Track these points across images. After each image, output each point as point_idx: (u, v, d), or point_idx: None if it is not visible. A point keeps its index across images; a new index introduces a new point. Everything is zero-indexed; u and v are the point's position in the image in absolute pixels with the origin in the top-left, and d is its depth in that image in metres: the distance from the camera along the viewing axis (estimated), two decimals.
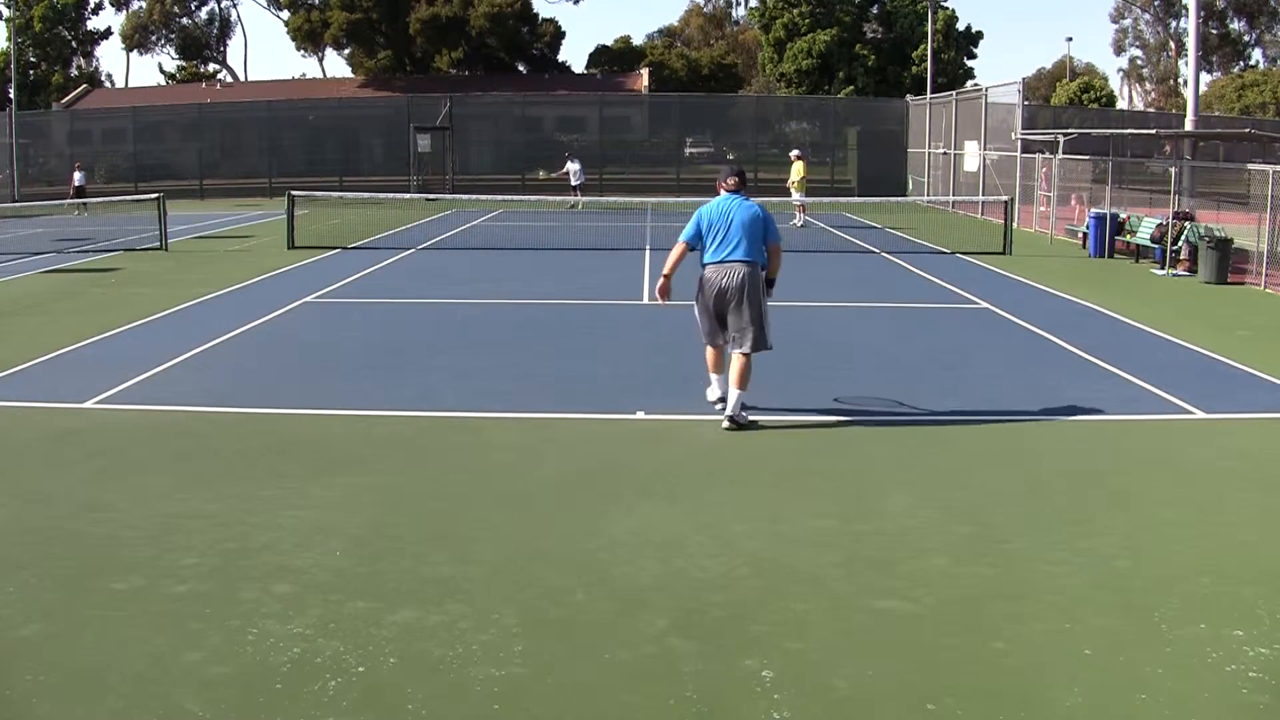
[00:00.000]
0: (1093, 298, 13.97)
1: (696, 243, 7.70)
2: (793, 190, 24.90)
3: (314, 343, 11.09)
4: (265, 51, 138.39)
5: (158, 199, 21.49)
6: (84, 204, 30.24)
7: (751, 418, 7.65)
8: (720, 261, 7.52)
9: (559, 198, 29.68)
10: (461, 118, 39.72)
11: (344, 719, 3.85)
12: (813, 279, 16.07)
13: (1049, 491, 6.37)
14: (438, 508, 6.13)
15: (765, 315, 7.58)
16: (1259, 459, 7.10)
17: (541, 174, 31.11)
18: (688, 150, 42.37)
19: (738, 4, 77.14)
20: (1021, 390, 9.00)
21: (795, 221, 24.36)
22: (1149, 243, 17.90)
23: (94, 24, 64.91)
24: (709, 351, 7.89)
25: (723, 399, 7.72)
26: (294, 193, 21.57)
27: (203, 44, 69.27)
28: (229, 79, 67.05)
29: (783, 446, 7.37)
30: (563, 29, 60.12)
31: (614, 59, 59.47)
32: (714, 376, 7.92)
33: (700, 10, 79.58)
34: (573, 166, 31.35)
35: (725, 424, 7.53)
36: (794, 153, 26.42)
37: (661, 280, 7.88)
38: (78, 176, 32.14)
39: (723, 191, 7.77)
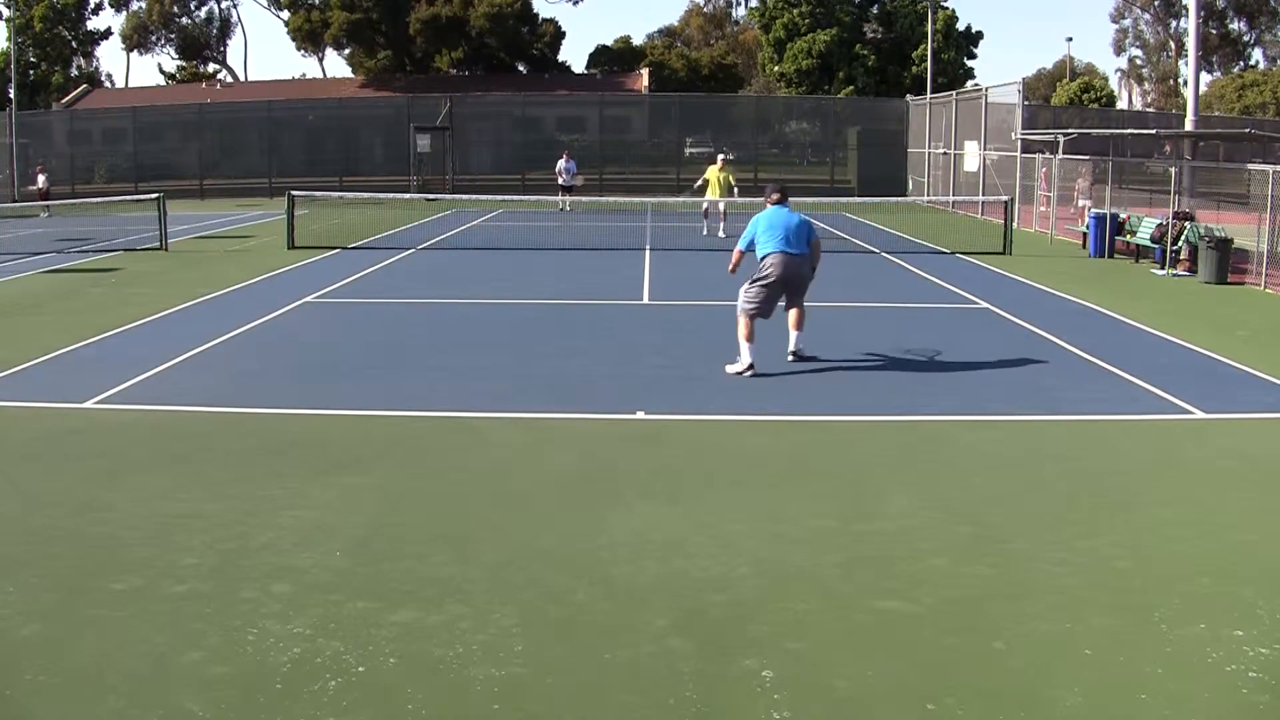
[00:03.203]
0: (1093, 298, 13.98)
1: (750, 247, 9.85)
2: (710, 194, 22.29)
3: (314, 343, 11.09)
4: (265, 51, 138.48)
5: (158, 199, 21.48)
6: (48, 205, 30.30)
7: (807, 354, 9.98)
8: (783, 252, 9.62)
9: (561, 198, 29.56)
10: (461, 118, 39.73)
11: (344, 719, 3.86)
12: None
13: (1049, 491, 6.37)
14: (438, 508, 6.13)
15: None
16: (1259, 459, 7.10)
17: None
18: (688, 150, 42.31)
19: (738, 4, 77.17)
20: (1021, 390, 9.00)
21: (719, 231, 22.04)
22: (1149, 243, 17.90)
23: (94, 24, 65.02)
24: (748, 324, 9.54)
25: (751, 366, 9.45)
26: (294, 193, 21.57)
27: (203, 44, 69.25)
28: (229, 79, 67.05)
29: (783, 446, 7.38)
30: (563, 29, 60.04)
31: (614, 59, 59.43)
32: (747, 345, 9.48)
33: (700, 10, 79.57)
34: (562, 164, 30.00)
35: (790, 358, 9.84)
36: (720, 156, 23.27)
37: (731, 269, 10.32)
38: (41, 178, 32.38)
39: (769, 205, 9.88)
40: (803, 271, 9.79)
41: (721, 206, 22.22)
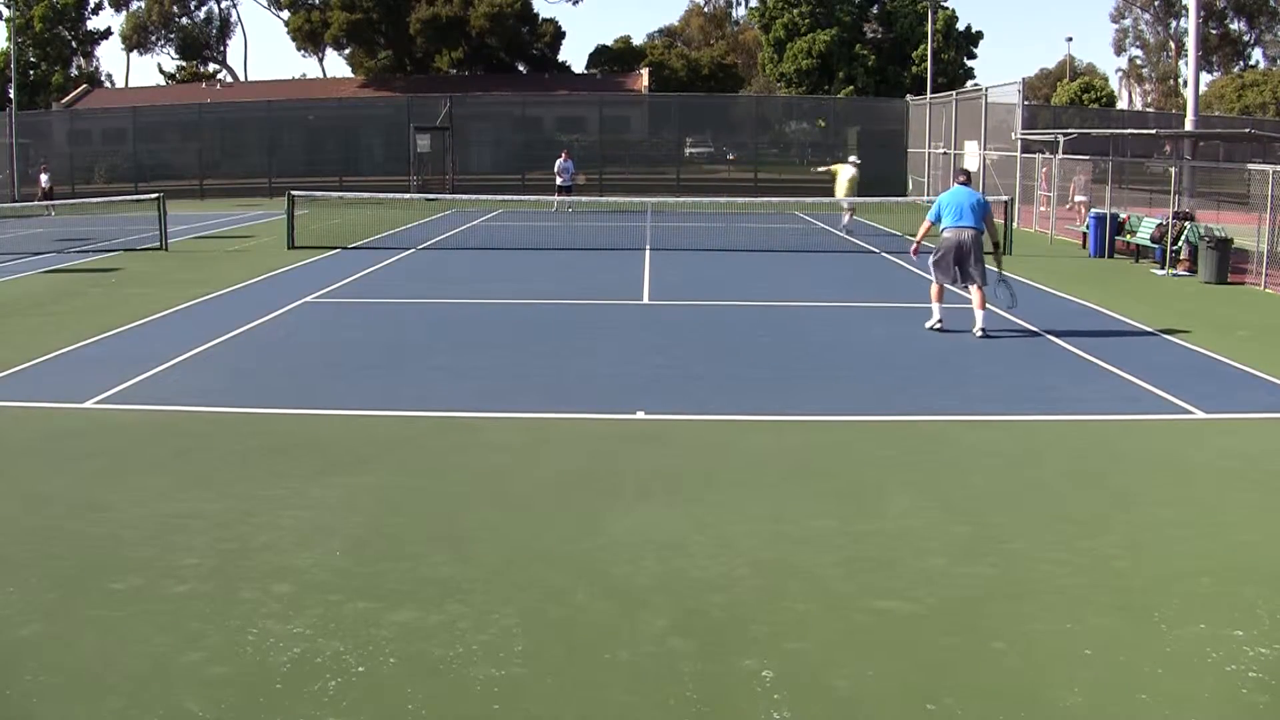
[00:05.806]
0: (1093, 298, 13.97)
1: (938, 219, 11.54)
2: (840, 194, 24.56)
3: (314, 343, 11.09)
4: (265, 51, 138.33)
5: (158, 199, 21.48)
6: (52, 205, 30.29)
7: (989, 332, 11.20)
8: (957, 226, 11.31)
9: (555, 198, 29.53)
10: (461, 118, 39.69)
11: (344, 719, 3.86)
12: (812, 278, 16.08)
13: (1049, 491, 6.37)
14: (438, 508, 6.13)
15: (984, 263, 11.39)
16: (1259, 459, 7.10)
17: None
18: (688, 150, 42.31)
19: (738, 4, 77.18)
20: (1021, 390, 9.00)
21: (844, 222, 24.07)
22: (1149, 243, 17.89)
23: (94, 24, 64.94)
24: (936, 287, 11.61)
25: (941, 320, 11.49)
26: (294, 193, 21.56)
27: (202, 44, 69.22)
28: (229, 79, 67.03)
29: (783, 446, 7.38)
30: (563, 29, 60.03)
31: (614, 59, 59.40)
32: (936, 304, 11.54)
33: (700, 10, 79.56)
34: (560, 164, 30.00)
35: (978, 334, 11.14)
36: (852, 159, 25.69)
37: (914, 245, 12.23)
38: (44, 178, 32.44)
39: (955, 184, 11.73)
40: (973, 243, 11.24)
41: (848, 204, 24.08)
